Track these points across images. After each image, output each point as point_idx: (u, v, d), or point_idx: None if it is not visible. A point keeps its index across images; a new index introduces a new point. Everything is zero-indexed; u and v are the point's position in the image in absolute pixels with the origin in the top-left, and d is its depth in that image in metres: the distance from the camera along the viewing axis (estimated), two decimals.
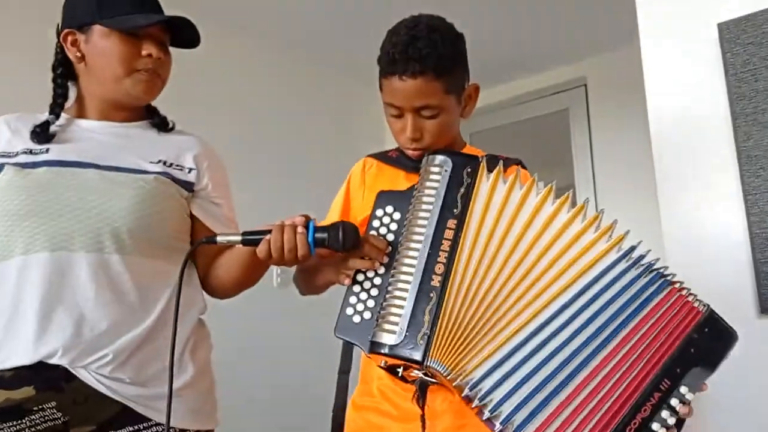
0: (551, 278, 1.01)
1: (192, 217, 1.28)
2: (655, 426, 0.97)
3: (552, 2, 2.86)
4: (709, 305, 1.03)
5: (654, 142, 1.69)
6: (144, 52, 1.22)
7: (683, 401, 0.98)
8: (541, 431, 0.94)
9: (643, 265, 1.03)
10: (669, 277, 1.03)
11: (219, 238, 1.08)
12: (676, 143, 1.65)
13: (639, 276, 1.02)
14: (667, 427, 0.97)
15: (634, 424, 0.97)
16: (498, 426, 0.94)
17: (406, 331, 0.99)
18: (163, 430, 1.14)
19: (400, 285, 1.02)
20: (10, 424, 1.06)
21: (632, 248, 1.03)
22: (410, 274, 1.02)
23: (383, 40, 1.19)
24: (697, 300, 1.03)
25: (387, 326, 1.00)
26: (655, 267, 1.03)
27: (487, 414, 0.95)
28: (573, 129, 3.46)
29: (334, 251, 1.07)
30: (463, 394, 0.96)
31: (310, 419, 2.27)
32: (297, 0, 2.81)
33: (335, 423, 1.22)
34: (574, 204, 1.05)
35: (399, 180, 1.24)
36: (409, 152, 1.22)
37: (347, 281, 1.07)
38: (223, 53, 2.97)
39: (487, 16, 2.87)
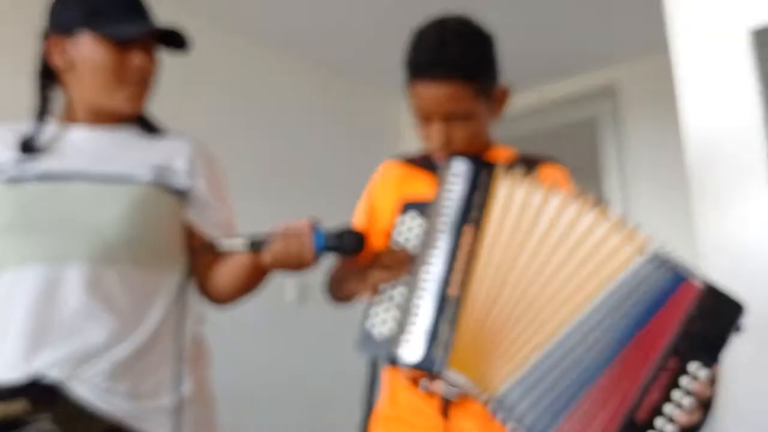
0: (575, 286, 0.99)
1: (187, 222, 1.26)
2: (667, 408, 0.94)
3: (578, 4, 2.80)
4: (705, 280, 1.00)
5: (687, 153, 1.67)
6: (133, 62, 1.22)
7: (695, 378, 0.95)
8: None
9: (665, 265, 1.00)
10: (681, 270, 1.00)
11: (223, 244, 1.09)
12: (710, 153, 1.64)
13: (660, 277, 0.99)
14: (683, 408, 0.94)
15: (644, 407, 0.94)
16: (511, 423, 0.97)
17: (425, 342, 1.00)
18: None
19: (418, 295, 1.03)
20: None
21: (656, 252, 1.00)
22: (427, 282, 1.03)
23: (410, 43, 1.18)
24: (693, 276, 1.00)
25: (406, 337, 1.01)
26: (673, 264, 1.00)
27: (512, 424, 0.97)
28: (601, 139, 3.38)
29: (340, 255, 1.09)
30: (489, 408, 0.98)
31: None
32: (317, 13, 2.84)
33: (364, 416, 1.21)
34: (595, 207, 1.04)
35: (422, 184, 1.22)
36: (438, 156, 1.20)
37: (369, 294, 1.08)
38: (245, 66, 3.04)
39: (508, 19, 2.83)
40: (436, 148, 1.18)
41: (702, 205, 1.63)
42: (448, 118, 1.15)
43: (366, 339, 1.06)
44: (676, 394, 0.94)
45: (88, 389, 1.09)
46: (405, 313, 1.03)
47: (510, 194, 1.05)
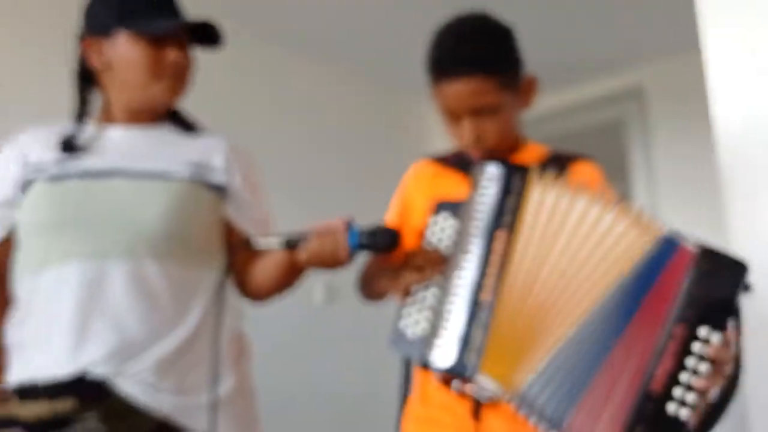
0: (593, 283, 1.00)
1: (225, 219, 1.27)
2: (684, 377, 0.93)
3: (604, 6, 2.77)
4: (701, 244, 0.98)
5: (720, 157, 1.62)
6: (168, 57, 1.23)
7: (707, 342, 0.93)
8: (577, 420, 0.96)
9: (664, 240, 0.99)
10: (674, 237, 0.99)
11: (259, 242, 1.10)
12: (742, 153, 1.59)
13: (657, 249, 0.99)
14: (700, 375, 0.92)
15: (659, 378, 0.93)
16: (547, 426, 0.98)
17: (457, 347, 1.01)
18: None
19: (451, 300, 1.03)
20: None
21: (663, 234, 1.00)
22: (460, 288, 1.03)
23: (430, 44, 1.18)
24: (687, 242, 0.99)
25: (437, 342, 1.02)
26: (669, 235, 0.99)
27: (534, 418, 0.99)
28: (628, 142, 3.34)
29: (375, 253, 1.10)
30: (512, 405, 1.00)
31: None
32: (345, 16, 2.87)
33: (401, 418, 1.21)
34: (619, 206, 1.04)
35: (455, 183, 1.21)
36: (472, 152, 1.19)
37: (401, 294, 1.09)
38: (275, 68, 3.08)
39: (533, 18, 2.80)
40: (468, 145, 1.18)
41: (733, 205, 1.59)
42: (476, 114, 1.15)
43: (399, 338, 1.07)
44: (690, 361, 0.93)
45: (134, 385, 1.10)
46: (437, 316, 1.04)
47: (542, 199, 1.05)
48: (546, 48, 3.00)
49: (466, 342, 1.01)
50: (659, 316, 0.96)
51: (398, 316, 1.08)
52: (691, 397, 0.92)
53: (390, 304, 1.29)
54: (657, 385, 0.93)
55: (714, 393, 0.94)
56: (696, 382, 0.92)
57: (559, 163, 1.20)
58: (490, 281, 1.02)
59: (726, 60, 1.64)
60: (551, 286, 1.01)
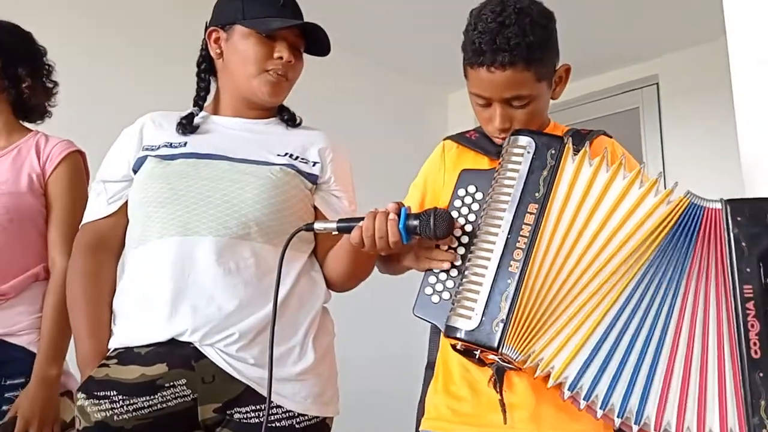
0: (624, 258, 0.98)
1: (315, 208, 1.32)
2: None
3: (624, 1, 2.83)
4: (722, 198, 0.97)
5: (742, 147, 1.58)
6: (276, 55, 1.28)
7: None
8: (661, 409, 0.92)
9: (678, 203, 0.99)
10: (698, 201, 0.98)
11: (316, 226, 1.10)
12: (764, 145, 1.58)
13: (683, 214, 0.98)
14: None
15: (756, 342, 0.88)
16: (582, 402, 0.94)
17: (482, 317, 0.97)
18: (283, 412, 1.18)
19: (477, 270, 1.00)
20: (144, 398, 1.14)
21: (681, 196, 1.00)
22: (488, 259, 1.00)
23: (467, 25, 1.14)
24: (708, 201, 0.98)
25: (462, 311, 0.99)
26: (687, 199, 0.98)
27: (566, 393, 0.95)
28: (643, 129, 3.40)
29: (427, 239, 1.05)
30: (535, 375, 0.97)
31: (396, 412, 2.25)
32: (368, 6, 2.93)
33: (420, 416, 1.20)
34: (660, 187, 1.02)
35: (481, 164, 1.19)
36: (497, 140, 1.18)
37: (427, 265, 1.07)
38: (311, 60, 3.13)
39: (559, 14, 2.84)
40: (495, 132, 1.16)
41: (754, 191, 1.49)
42: (509, 103, 1.12)
43: (423, 305, 1.05)
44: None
45: (220, 356, 1.15)
46: (463, 286, 1.01)
47: (577, 173, 1.02)
48: (569, 42, 3.06)
49: (490, 313, 0.97)
50: (717, 279, 0.93)
51: (424, 284, 1.06)
52: None
53: (409, 277, 1.29)
54: (756, 350, 0.89)
55: None
56: None
57: (580, 138, 1.18)
58: (518, 253, 0.98)
59: (749, 50, 1.54)
60: (587, 263, 0.98)
